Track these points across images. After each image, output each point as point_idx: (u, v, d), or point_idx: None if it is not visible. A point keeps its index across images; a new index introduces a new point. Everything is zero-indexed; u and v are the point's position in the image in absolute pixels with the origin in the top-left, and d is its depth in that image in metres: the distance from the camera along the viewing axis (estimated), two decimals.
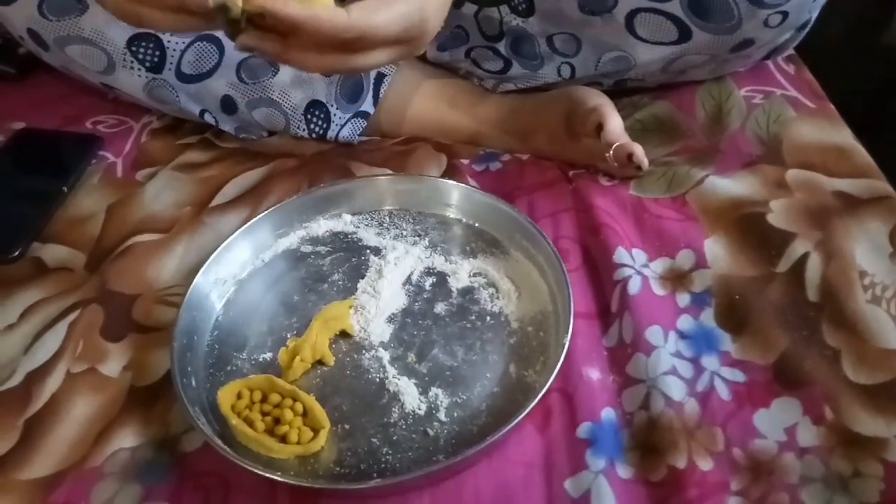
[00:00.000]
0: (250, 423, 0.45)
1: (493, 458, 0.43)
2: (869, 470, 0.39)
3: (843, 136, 0.59)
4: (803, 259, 0.49)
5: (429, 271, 0.55)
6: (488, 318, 0.51)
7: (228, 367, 0.50)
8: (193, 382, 0.48)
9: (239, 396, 0.47)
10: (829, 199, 0.54)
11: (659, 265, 0.52)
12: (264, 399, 0.47)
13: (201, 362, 0.50)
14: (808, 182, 0.55)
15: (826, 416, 0.41)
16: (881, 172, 0.55)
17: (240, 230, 0.56)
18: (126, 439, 0.46)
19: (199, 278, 0.52)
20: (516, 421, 0.42)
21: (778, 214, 0.53)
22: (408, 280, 0.54)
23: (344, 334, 0.51)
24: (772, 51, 0.62)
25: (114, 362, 0.50)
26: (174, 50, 0.62)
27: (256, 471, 0.41)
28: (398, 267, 0.55)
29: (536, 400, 0.43)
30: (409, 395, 0.47)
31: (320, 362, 0.49)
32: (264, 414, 0.46)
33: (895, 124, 0.82)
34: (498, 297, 0.52)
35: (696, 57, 0.59)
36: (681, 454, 0.41)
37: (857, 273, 0.48)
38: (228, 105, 0.65)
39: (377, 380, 0.48)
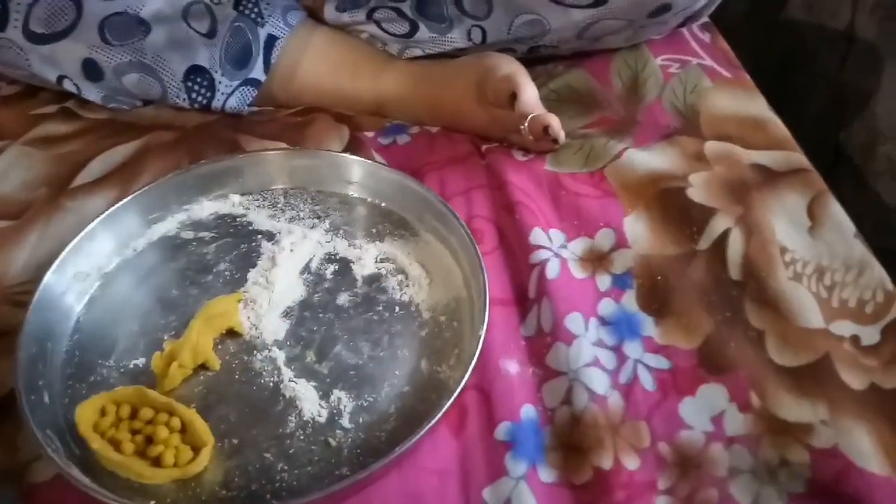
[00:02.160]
0: (117, 445, 0.38)
1: (403, 467, 0.38)
2: (795, 457, 0.37)
3: (759, 106, 0.58)
4: (724, 235, 0.47)
5: (330, 258, 0.49)
6: (397, 308, 0.46)
7: (92, 378, 0.43)
8: (47, 398, 0.41)
9: (103, 413, 0.40)
10: (748, 173, 0.52)
11: (578, 246, 0.49)
12: (134, 415, 0.40)
13: (58, 373, 0.43)
14: (727, 154, 0.54)
15: (752, 403, 0.40)
16: (797, 144, 0.54)
17: (104, 214, 0.48)
18: None
19: (50, 274, 0.44)
20: (429, 426, 0.38)
21: (698, 189, 0.50)
22: (306, 268, 0.49)
23: (231, 333, 0.45)
24: (688, 17, 0.60)
25: None
26: (19, 3, 0.52)
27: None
28: (294, 254, 0.49)
29: (451, 401, 0.39)
30: (308, 400, 0.41)
31: (203, 367, 0.43)
32: (134, 432, 0.39)
33: (797, 98, 0.83)
34: (408, 285, 0.48)
35: (612, 22, 0.56)
36: (606, 453, 0.38)
37: (778, 249, 0.46)
38: (92, 70, 0.57)
39: (271, 384, 0.42)
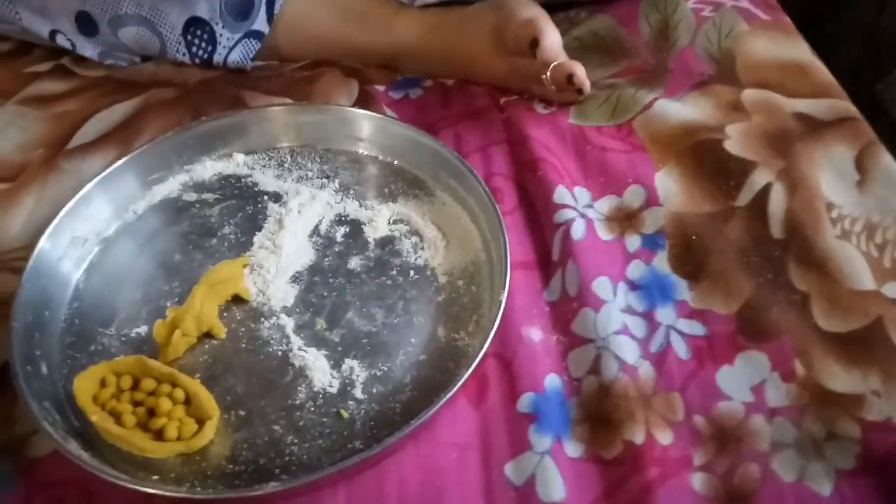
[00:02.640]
0: (118, 417, 0.36)
1: (420, 441, 0.36)
2: (845, 431, 0.34)
3: (801, 51, 0.53)
4: (765, 191, 0.44)
5: (340, 219, 0.47)
6: (412, 272, 0.43)
7: (92, 347, 0.41)
8: (45, 369, 0.39)
9: (103, 384, 0.38)
10: (790, 122, 0.48)
11: (605, 205, 0.45)
12: (135, 386, 0.38)
13: (56, 342, 0.41)
14: (766, 103, 0.49)
15: (796, 372, 0.36)
16: (843, 91, 0.50)
17: (101, 176, 0.45)
18: None
19: (45, 239, 0.42)
20: (447, 397, 0.35)
21: (735, 141, 0.47)
22: (315, 231, 0.46)
23: (237, 300, 0.43)
24: None
25: None
26: None
27: (120, 482, 0.33)
28: (303, 216, 0.46)
29: (471, 369, 0.36)
30: (319, 369, 0.39)
31: (208, 335, 0.41)
32: (136, 404, 0.37)
33: (830, 47, 0.78)
34: (422, 248, 0.45)
35: None
36: (637, 426, 0.35)
37: (824, 205, 0.43)
38: (86, 24, 0.54)
39: (279, 353, 0.40)
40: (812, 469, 0.33)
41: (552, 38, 0.48)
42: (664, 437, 0.35)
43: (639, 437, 0.35)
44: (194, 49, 0.55)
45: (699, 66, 0.53)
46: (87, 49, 0.56)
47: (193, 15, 0.53)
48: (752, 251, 0.41)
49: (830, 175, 0.44)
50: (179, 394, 0.37)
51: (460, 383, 0.36)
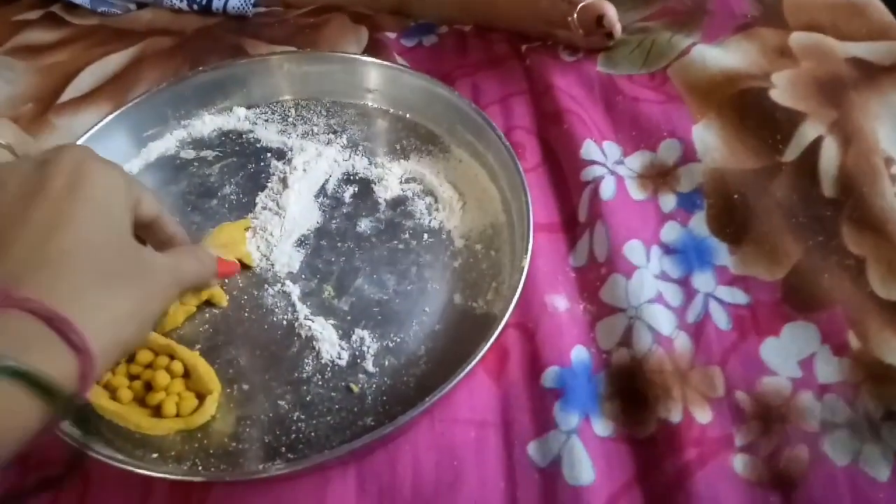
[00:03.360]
0: (113, 392, 0.34)
1: (435, 418, 0.34)
2: None
3: None
4: (815, 145, 0.39)
5: (348, 178, 0.43)
6: (426, 235, 0.40)
7: None
8: None
9: None
10: (843, 69, 0.43)
11: (636, 161, 0.42)
12: (131, 359, 0.35)
13: None
14: (817, 47, 0.45)
15: (850, 344, 0.33)
16: None
17: (91, 131, 0.42)
18: None
19: None
20: (466, 370, 0.32)
21: (782, 90, 0.42)
22: (322, 191, 0.43)
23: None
24: None
25: None
26: None
27: (113, 463, 0.30)
28: (308, 174, 0.43)
29: (491, 340, 0.33)
30: (327, 340, 0.36)
31: (208, 303, 0.38)
32: (132, 378, 0.35)
33: None
34: (437, 209, 0.41)
35: None
36: (674, 403, 0.32)
37: (883, 160, 0.38)
38: None
39: (284, 323, 0.37)
40: (867, 451, 0.30)
41: None
42: (702, 416, 0.32)
43: (675, 416, 0.32)
44: None
45: (741, 6, 0.48)
46: None
47: None
48: (801, 212, 0.37)
49: (889, 126, 0.40)
50: (178, 367, 0.35)
51: (479, 356, 0.33)
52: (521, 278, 0.35)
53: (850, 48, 0.44)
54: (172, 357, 0.35)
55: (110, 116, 0.43)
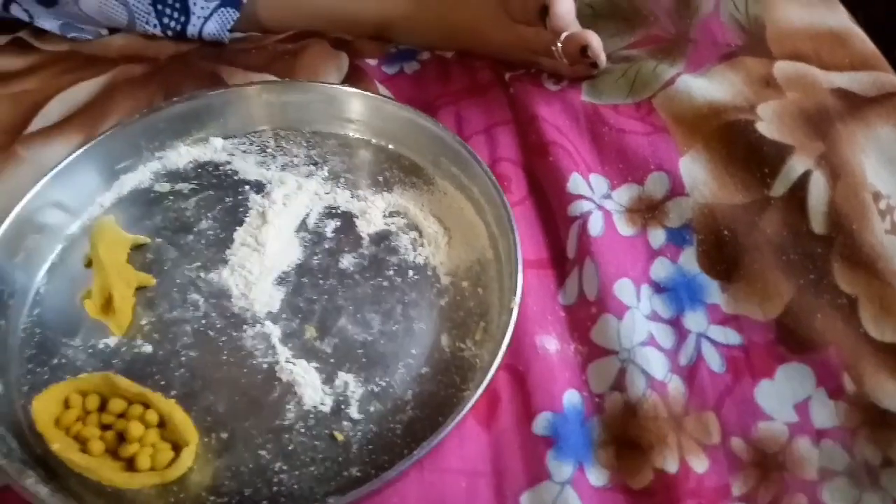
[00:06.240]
0: (84, 444, 0.32)
1: (425, 468, 0.32)
2: None
3: (838, 17, 0.48)
4: (804, 179, 0.39)
5: (330, 212, 0.42)
6: (411, 272, 0.39)
7: (55, 361, 0.36)
8: (1, 386, 0.34)
9: (67, 405, 0.34)
10: (829, 100, 0.43)
11: (624, 194, 0.41)
12: (103, 407, 0.34)
13: (14, 355, 0.37)
14: (802, 78, 0.45)
15: (845, 387, 0.33)
16: (886, 62, 0.45)
17: (62, 164, 0.41)
18: None
19: (1, 237, 0.37)
20: (457, 419, 0.31)
21: (768, 122, 0.42)
22: (302, 225, 0.41)
23: (219, 294, 0.38)
24: None
25: None
26: None
27: None
28: (288, 208, 0.42)
29: (483, 387, 0.32)
30: (309, 385, 0.35)
31: (140, 289, 0.38)
32: (104, 427, 0.33)
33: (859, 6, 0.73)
34: (422, 244, 0.40)
35: None
36: (670, 452, 0.31)
37: (871, 195, 0.38)
38: None
39: (264, 366, 0.36)
40: (867, 500, 0.30)
41: (564, 5, 0.43)
42: (699, 465, 0.31)
43: (671, 466, 0.31)
44: (166, 20, 0.50)
45: (725, 35, 0.48)
46: (47, 21, 0.50)
47: None
48: (792, 248, 0.37)
49: (875, 160, 0.40)
50: (152, 416, 0.33)
51: (470, 403, 0.32)
52: (510, 319, 0.34)
53: (834, 78, 0.44)
54: (147, 406, 0.33)
55: (82, 148, 0.41)
